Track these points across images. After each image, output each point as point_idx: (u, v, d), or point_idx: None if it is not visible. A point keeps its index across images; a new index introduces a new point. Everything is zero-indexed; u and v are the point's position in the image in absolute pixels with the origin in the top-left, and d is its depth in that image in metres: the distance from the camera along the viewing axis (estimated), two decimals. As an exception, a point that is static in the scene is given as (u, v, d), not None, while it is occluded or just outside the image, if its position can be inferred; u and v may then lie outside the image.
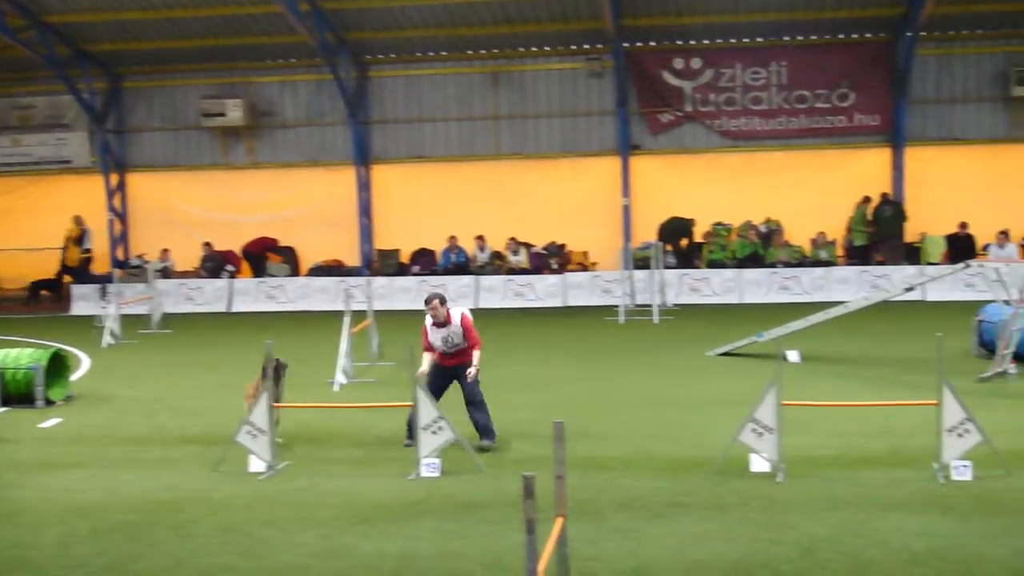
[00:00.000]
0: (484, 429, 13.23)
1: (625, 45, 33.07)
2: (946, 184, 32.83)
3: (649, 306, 27.64)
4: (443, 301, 13.35)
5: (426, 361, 13.25)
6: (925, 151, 33.03)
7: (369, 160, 35.23)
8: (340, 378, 18.06)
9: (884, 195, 32.17)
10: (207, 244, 34.87)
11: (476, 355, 13.35)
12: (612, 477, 11.61)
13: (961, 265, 20.39)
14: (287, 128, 35.76)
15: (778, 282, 31.08)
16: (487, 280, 32.48)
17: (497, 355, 22.08)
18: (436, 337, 13.29)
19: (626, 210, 33.74)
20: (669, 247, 32.12)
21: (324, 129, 35.52)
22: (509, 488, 10.81)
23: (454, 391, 13.24)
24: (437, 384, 13.24)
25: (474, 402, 13.26)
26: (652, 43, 33.64)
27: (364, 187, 35.08)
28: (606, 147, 34.23)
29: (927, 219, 32.23)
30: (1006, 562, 8.72)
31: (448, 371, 13.39)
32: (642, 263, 29.74)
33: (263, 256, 34.89)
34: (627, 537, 9.59)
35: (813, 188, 33.29)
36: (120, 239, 36.72)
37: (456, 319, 13.28)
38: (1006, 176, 32.73)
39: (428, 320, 13.35)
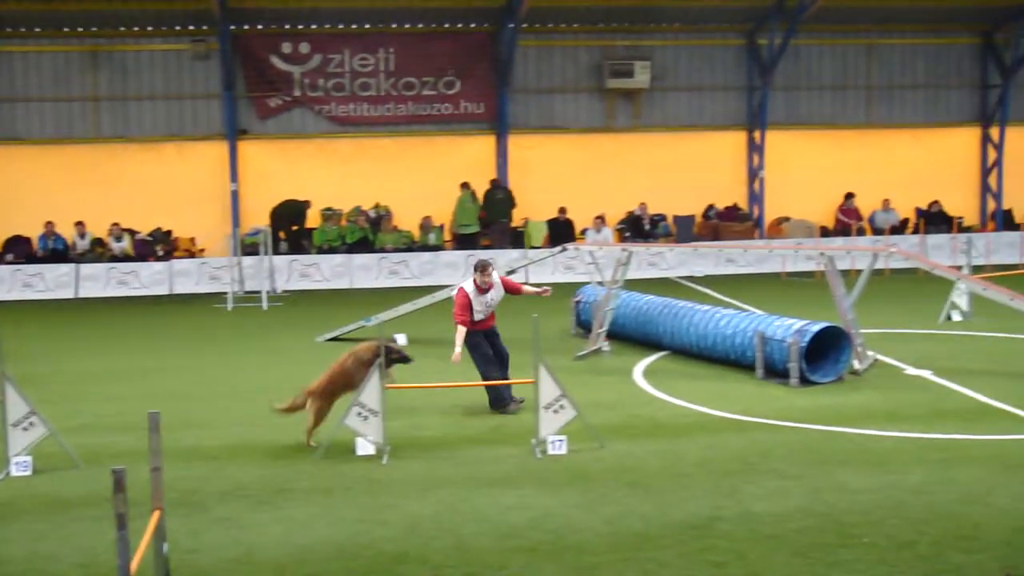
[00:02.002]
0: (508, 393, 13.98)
1: (232, 28, 32.44)
2: (547, 171, 34.24)
3: (258, 292, 27.37)
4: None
5: (459, 340, 13.81)
6: (527, 139, 34.31)
7: (-45, 141, 32.96)
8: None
9: (494, 181, 33.17)
10: None
11: (528, 288, 15.12)
12: (216, 467, 11.41)
13: (559, 248, 21.27)
14: None
15: (387, 267, 31.43)
16: (88, 268, 31.01)
17: (99, 346, 21.35)
18: (479, 303, 13.93)
19: (234, 195, 33.15)
20: (282, 234, 31.93)
21: (-98, 107, 32.89)
22: (107, 483, 10.37)
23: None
24: (487, 348, 14.08)
25: (506, 361, 14.15)
26: (260, 26, 33.18)
27: (-50, 170, 32.77)
28: (213, 131, 33.46)
29: (530, 204, 33.53)
30: (597, 529, 9.17)
31: (487, 333, 14.15)
32: (251, 249, 29.40)
33: None
34: (231, 526, 9.44)
35: (422, 174, 33.83)
36: None
37: (496, 281, 14.14)
38: (602, 164, 34.52)
39: (470, 289, 13.96)
